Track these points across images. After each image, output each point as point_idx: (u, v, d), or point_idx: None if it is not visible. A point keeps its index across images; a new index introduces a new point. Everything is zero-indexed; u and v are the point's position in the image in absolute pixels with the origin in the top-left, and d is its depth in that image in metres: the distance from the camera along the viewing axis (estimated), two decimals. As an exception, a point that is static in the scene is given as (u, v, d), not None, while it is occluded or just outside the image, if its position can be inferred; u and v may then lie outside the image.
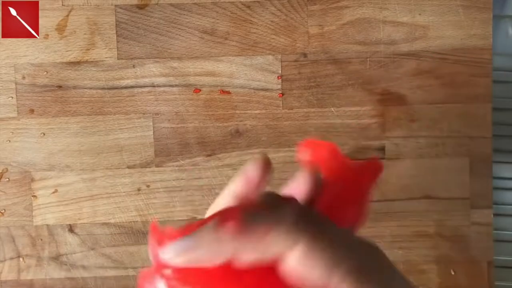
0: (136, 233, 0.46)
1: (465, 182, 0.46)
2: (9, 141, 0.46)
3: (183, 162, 0.46)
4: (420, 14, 0.46)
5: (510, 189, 0.51)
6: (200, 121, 0.46)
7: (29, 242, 0.46)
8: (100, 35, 0.45)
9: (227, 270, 0.18)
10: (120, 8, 0.45)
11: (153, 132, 0.46)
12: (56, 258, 0.46)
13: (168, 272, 0.19)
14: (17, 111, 0.46)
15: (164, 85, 0.45)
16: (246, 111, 0.46)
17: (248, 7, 0.45)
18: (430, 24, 0.46)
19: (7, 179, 0.46)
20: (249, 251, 0.18)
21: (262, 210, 0.19)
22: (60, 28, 0.45)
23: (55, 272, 0.46)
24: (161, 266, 0.19)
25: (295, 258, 0.18)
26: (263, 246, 0.18)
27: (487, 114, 0.46)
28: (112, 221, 0.46)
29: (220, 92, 0.46)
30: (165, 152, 0.46)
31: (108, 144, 0.46)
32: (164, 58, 0.45)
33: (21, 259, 0.46)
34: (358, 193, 0.24)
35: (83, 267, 0.46)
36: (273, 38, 0.45)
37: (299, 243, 0.18)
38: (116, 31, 0.45)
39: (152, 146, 0.46)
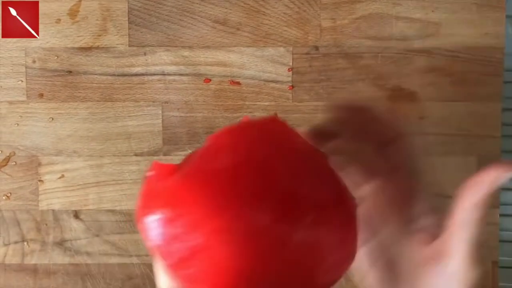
0: (142, 221, 0.46)
1: (473, 181, 0.46)
2: (18, 124, 0.46)
3: (190, 152, 0.46)
4: (433, 11, 0.45)
5: (517, 190, 0.50)
6: (209, 111, 0.46)
7: (34, 226, 0.46)
8: (112, 21, 0.45)
9: None
10: (133, -5, 0.45)
11: (162, 121, 0.46)
12: (61, 244, 0.46)
13: None
14: (27, 95, 0.45)
15: (175, 74, 0.45)
16: (255, 103, 0.46)
17: (261, -2, 0.45)
18: (443, 22, 0.45)
19: (14, 163, 0.46)
20: None
21: None
22: (72, 13, 0.45)
23: (59, 258, 0.46)
24: None
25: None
26: None
27: (497, 113, 0.46)
28: (118, 208, 0.46)
29: (230, 83, 0.46)
30: (173, 141, 0.46)
31: (116, 131, 0.46)
32: (176, 46, 0.45)
33: (25, 243, 0.46)
34: None
35: (87, 253, 0.46)
36: (285, 30, 0.45)
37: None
38: (128, 18, 0.45)
39: (161, 134, 0.46)
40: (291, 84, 0.46)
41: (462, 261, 0.24)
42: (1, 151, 0.46)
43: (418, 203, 0.27)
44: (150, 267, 0.46)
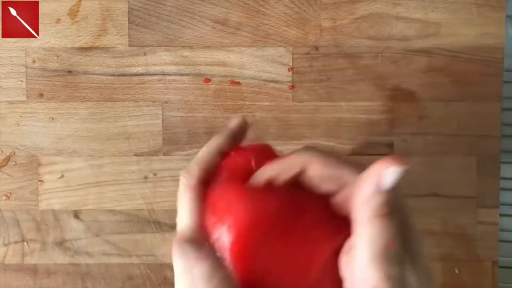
0: (142, 221, 0.46)
1: (473, 181, 0.46)
2: (18, 124, 0.46)
3: (191, 152, 0.46)
4: (433, 11, 0.45)
5: (517, 190, 0.50)
6: (209, 111, 0.46)
7: (34, 226, 0.46)
8: (112, 21, 0.45)
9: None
10: (133, -5, 0.45)
11: (162, 121, 0.46)
12: (61, 244, 0.46)
13: None
14: (26, 95, 0.45)
15: (175, 74, 0.45)
16: (255, 103, 0.46)
17: (261, -2, 0.45)
18: (442, 22, 0.45)
19: (14, 163, 0.46)
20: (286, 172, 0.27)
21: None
22: (72, 13, 0.45)
23: (59, 258, 0.46)
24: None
25: (315, 168, 0.26)
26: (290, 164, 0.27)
27: (496, 113, 0.46)
28: (118, 208, 0.46)
29: (230, 83, 0.46)
30: (173, 141, 0.46)
31: (116, 131, 0.46)
32: (176, 46, 0.45)
33: (25, 243, 0.46)
34: None
35: (87, 253, 0.46)
36: (285, 30, 0.45)
37: (314, 157, 0.26)
38: (128, 18, 0.45)
39: (161, 134, 0.46)
40: (291, 84, 0.46)
41: (366, 259, 0.22)
42: (1, 151, 0.46)
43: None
44: (150, 267, 0.46)
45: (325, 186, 0.27)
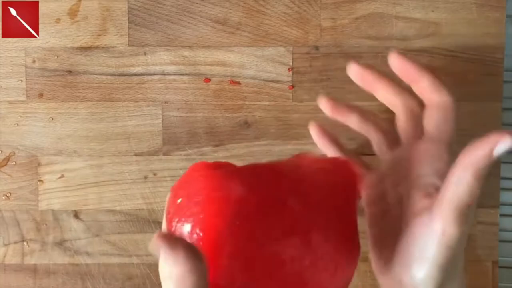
0: (142, 221, 0.46)
1: (473, 181, 0.46)
2: (17, 124, 0.45)
3: (190, 152, 0.46)
4: (433, 11, 0.45)
5: (517, 190, 0.51)
6: (209, 111, 0.46)
7: (34, 226, 0.46)
8: (112, 21, 0.45)
9: None
10: (133, -6, 0.45)
11: (162, 121, 0.46)
12: (60, 244, 0.46)
13: None
14: (26, 94, 0.45)
15: (175, 74, 0.45)
16: (255, 103, 0.46)
17: (261, -2, 0.45)
18: (442, 21, 0.45)
19: (14, 163, 0.46)
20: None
21: None
22: (72, 13, 0.45)
23: (59, 258, 0.46)
24: None
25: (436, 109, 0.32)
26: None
27: (496, 113, 0.46)
28: (118, 208, 0.46)
29: (230, 83, 0.46)
30: (173, 140, 0.46)
31: (116, 131, 0.46)
32: (175, 46, 0.45)
33: (25, 243, 0.46)
34: None
35: (87, 253, 0.46)
36: (285, 30, 0.45)
37: (446, 97, 0.33)
38: (128, 18, 0.45)
39: (160, 134, 0.46)
40: (291, 84, 0.46)
41: (444, 217, 0.26)
42: (1, 151, 0.46)
43: (437, 162, 0.29)
44: (150, 267, 0.46)
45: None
